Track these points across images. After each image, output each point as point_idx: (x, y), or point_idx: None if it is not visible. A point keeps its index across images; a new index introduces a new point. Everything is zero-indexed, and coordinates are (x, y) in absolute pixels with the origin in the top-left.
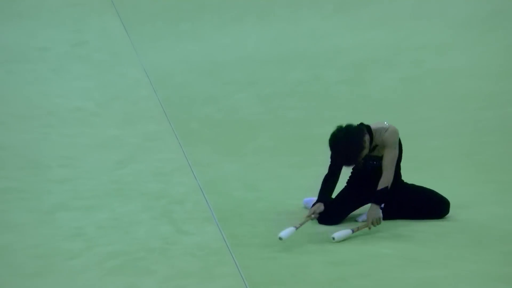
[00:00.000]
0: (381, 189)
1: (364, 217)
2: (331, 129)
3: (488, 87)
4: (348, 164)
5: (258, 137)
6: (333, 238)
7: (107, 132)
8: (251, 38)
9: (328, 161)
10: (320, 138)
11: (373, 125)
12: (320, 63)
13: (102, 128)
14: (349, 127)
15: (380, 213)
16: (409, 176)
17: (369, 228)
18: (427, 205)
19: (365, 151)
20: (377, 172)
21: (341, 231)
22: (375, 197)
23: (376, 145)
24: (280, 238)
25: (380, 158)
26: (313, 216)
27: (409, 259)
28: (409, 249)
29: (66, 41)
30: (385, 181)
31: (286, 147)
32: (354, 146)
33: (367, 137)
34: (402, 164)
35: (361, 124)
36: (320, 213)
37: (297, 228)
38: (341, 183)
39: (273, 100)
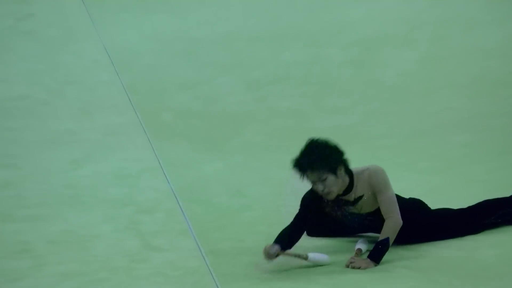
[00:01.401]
0: (382, 241)
1: (360, 245)
2: (332, 121)
3: None
4: (315, 167)
5: (245, 131)
6: (307, 257)
7: (59, 126)
8: (235, 11)
9: None
10: (321, 132)
11: (353, 170)
12: (320, 40)
13: (53, 121)
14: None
15: (371, 266)
16: (429, 178)
17: (347, 265)
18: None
19: (339, 183)
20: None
21: (318, 254)
22: (373, 251)
23: (360, 197)
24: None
25: (373, 214)
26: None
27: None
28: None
29: (8, 14)
30: (388, 230)
31: (278, 143)
32: (333, 150)
33: (343, 170)
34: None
35: None
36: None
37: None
38: None
39: (263, 86)
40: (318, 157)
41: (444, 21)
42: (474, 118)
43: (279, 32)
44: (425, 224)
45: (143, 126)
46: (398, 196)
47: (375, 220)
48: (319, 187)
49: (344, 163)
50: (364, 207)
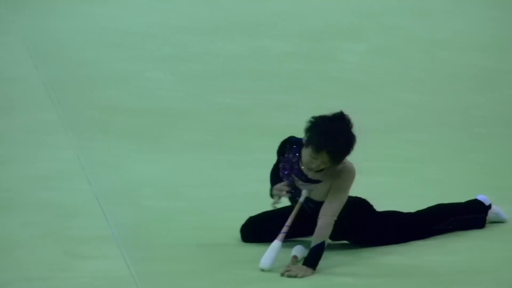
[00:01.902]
0: (318, 246)
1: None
2: (275, 118)
3: (483, 63)
4: (331, 155)
5: (181, 129)
6: (262, 269)
7: None
8: (169, 0)
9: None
10: (264, 130)
11: None
12: (261, 31)
13: None
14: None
15: (308, 274)
16: (379, 179)
17: (282, 274)
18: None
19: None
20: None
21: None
22: (309, 257)
23: (318, 181)
24: (263, 270)
25: (316, 204)
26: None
27: None
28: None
29: None
30: (322, 233)
31: (216, 142)
32: (351, 141)
33: None
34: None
35: None
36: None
37: (282, 240)
38: None
39: (200, 80)
40: (342, 149)
41: (395, 10)
42: (427, 115)
43: (216, 22)
44: (368, 226)
45: (68, 124)
46: None
47: (313, 211)
48: (313, 164)
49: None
50: (315, 193)
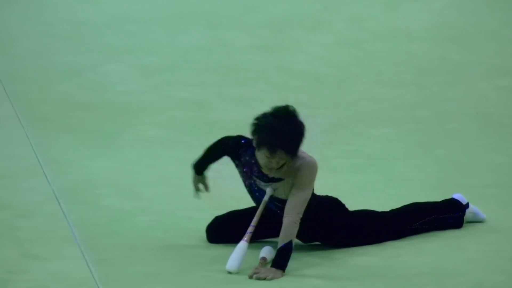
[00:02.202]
0: (286, 246)
1: (265, 254)
2: (237, 113)
3: (454, 55)
4: (285, 151)
5: (137, 124)
6: (229, 272)
7: None
8: None
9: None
10: (224, 125)
11: None
12: (222, 22)
13: None
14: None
15: (278, 276)
16: (346, 177)
17: (250, 276)
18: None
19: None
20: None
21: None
22: (277, 258)
23: (280, 179)
24: (230, 272)
25: (282, 203)
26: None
27: None
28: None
29: None
30: (288, 232)
31: (176, 138)
32: (302, 130)
33: None
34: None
35: None
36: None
37: (249, 240)
38: None
39: (158, 73)
40: (295, 142)
41: (363, 1)
42: (395, 109)
43: (175, 13)
44: (340, 226)
45: (21, 119)
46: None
47: (280, 210)
48: (272, 164)
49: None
50: (279, 191)
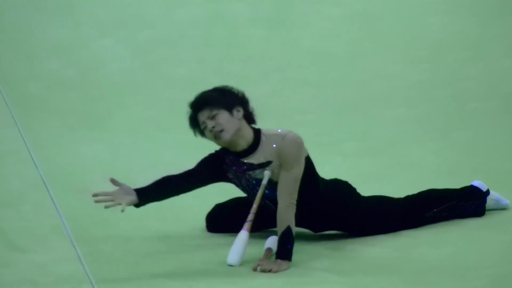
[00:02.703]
0: (285, 233)
1: (269, 244)
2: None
3: (476, 30)
4: (206, 102)
5: (131, 105)
6: (230, 265)
7: None
8: None
9: None
10: None
11: (265, 130)
12: None
13: None
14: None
15: (284, 268)
16: (358, 162)
17: (254, 269)
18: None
19: (235, 124)
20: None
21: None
22: (280, 249)
23: (269, 162)
24: (231, 265)
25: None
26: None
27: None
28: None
29: None
30: (284, 217)
31: (173, 119)
32: (233, 91)
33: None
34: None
35: None
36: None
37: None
38: None
39: (153, 49)
40: (211, 93)
41: None
42: (411, 89)
43: None
44: (351, 213)
45: (5, 99)
46: (317, 176)
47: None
48: (209, 125)
49: (244, 109)
50: (275, 174)
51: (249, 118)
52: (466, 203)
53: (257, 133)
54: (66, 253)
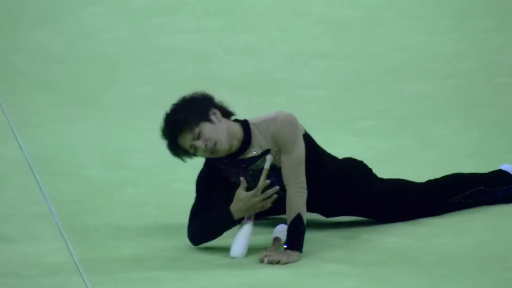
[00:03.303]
0: (294, 221)
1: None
2: (244, 65)
3: None
4: (181, 122)
5: (125, 79)
6: (234, 258)
7: None
8: None
9: None
10: (229, 80)
11: (252, 119)
12: None
13: None
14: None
15: (293, 259)
16: (374, 142)
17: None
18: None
19: (222, 129)
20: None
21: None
22: (289, 238)
23: (268, 150)
24: (234, 258)
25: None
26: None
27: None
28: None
29: None
30: (294, 204)
31: (171, 95)
32: (193, 98)
33: (234, 125)
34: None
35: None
36: None
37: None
38: None
39: (149, 18)
40: (179, 113)
41: None
42: (433, 61)
43: None
44: (365, 196)
45: None
46: (328, 155)
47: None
48: (200, 146)
49: (216, 106)
50: (276, 160)
51: (226, 112)
52: (494, 188)
53: (245, 125)
54: (53, 243)
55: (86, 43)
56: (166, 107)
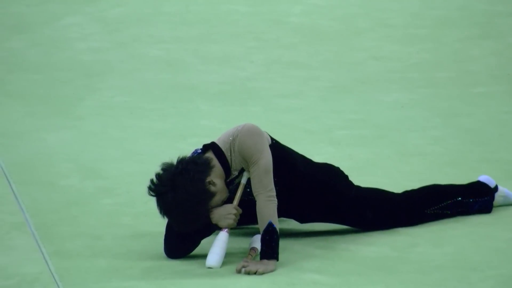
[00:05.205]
0: (267, 230)
1: (255, 243)
2: (221, 75)
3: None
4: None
5: (101, 88)
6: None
7: None
8: None
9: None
10: (205, 89)
11: (219, 139)
12: None
13: None
14: (179, 180)
15: (271, 268)
16: (350, 151)
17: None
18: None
19: (220, 196)
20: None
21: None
22: (264, 247)
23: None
24: (210, 268)
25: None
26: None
27: None
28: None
29: None
30: (265, 213)
31: (147, 105)
32: (191, 211)
33: (217, 169)
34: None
35: (204, 147)
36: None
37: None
38: None
39: (125, 28)
40: (187, 222)
41: None
42: (410, 70)
43: None
44: (341, 203)
45: None
46: (302, 160)
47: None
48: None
49: (207, 172)
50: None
51: (208, 164)
52: (471, 200)
53: (217, 152)
54: (29, 253)
55: (62, 52)
56: (143, 117)
